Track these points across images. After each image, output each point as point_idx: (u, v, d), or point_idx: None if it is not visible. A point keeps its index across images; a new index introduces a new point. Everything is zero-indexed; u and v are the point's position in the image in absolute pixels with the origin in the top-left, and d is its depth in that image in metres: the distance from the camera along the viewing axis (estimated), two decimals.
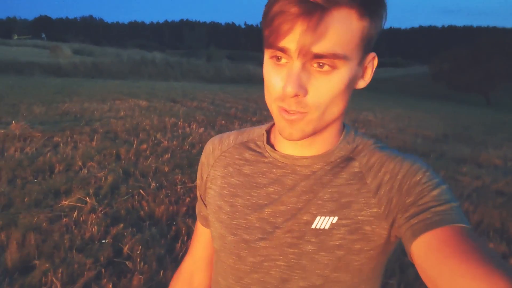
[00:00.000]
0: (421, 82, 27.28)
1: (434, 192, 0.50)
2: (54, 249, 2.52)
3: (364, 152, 0.58)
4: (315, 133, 0.53)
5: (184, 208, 3.34)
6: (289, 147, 0.59)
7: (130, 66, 20.44)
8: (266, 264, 0.58)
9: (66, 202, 3.21)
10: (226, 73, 23.98)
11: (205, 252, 0.76)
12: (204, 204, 0.71)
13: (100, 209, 3.14)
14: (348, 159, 0.58)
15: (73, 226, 2.85)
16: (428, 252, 0.44)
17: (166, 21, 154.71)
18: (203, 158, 0.71)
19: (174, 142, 5.49)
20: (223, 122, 7.63)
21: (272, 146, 0.63)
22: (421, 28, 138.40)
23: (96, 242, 2.67)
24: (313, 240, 0.55)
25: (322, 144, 0.58)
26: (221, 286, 0.64)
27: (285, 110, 0.50)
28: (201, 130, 6.56)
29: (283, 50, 0.47)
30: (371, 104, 12.74)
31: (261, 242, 0.58)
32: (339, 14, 0.46)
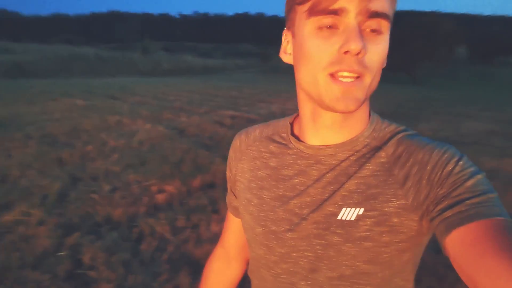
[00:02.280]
0: None
1: (469, 183, 0.47)
2: (3, 270, 2.27)
3: (391, 141, 0.56)
4: (363, 103, 0.51)
5: (144, 208, 3.21)
6: (313, 136, 0.58)
7: (58, 63, 18.85)
8: (294, 254, 0.58)
9: (8, 217, 2.90)
10: (164, 66, 23.19)
11: (237, 241, 0.78)
12: (235, 195, 0.72)
13: (50, 220, 2.89)
14: (374, 149, 0.56)
15: (21, 242, 2.59)
16: (463, 248, 0.42)
17: (92, 13, 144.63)
18: (231, 152, 0.72)
19: (121, 140, 5.21)
20: (169, 116, 7.39)
21: (296, 137, 0.62)
22: None
23: (51, 256, 2.46)
24: (339, 231, 0.54)
25: (349, 131, 0.57)
26: (255, 275, 0.67)
27: (340, 75, 0.48)
28: (148, 126, 6.30)
29: (338, 12, 0.46)
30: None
31: (288, 233, 0.58)
32: None
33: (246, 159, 0.67)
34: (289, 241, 0.58)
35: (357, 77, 0.48)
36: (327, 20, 0.47)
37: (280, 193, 0.60)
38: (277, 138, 0.65)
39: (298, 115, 0.63)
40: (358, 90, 0.49)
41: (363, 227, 0.53)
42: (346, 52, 0.47)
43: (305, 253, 0.57)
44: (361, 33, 0.47)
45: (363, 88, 0.49)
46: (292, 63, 0.56)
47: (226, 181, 0.75)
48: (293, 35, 0.53)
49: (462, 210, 0.45)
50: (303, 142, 0.60)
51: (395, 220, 0.52)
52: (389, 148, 0.55)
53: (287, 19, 0.55)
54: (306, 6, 0.49)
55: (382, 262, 0.53)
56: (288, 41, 0.56)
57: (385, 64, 0.53)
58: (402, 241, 0.53)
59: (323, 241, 0.55)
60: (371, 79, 0.50)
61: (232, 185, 0.72)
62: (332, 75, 0.49)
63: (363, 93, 0.50)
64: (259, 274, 0.65)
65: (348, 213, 0.53)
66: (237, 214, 0.73)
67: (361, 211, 0.53)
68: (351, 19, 0.47)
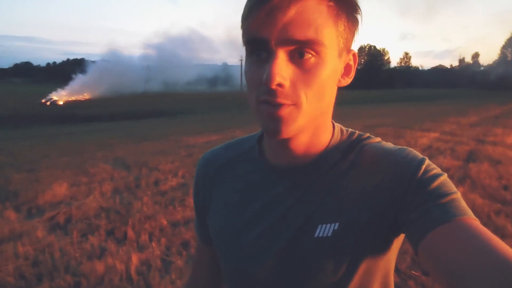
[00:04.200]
0: None
1: (434, 185, 0.48)
2: None
3: (357, 150, 0.57)
4: (301, 130, 0.51)
5: None
6: (281, 157, 0.57)
7: None
8: (275, 280, 0.57)
9: None
10: None
11: (210, 272, 0.74)
12: (204, 223, 0.69)
13: None
14: (342, 161, 0.56)
15: None
16: (436, 251, 0.43)
17: None
18: (197, 177, 0.69)
19: None
20: None
21: (264, 157, 0.61)
22: None
23: None
24: (318, 249, 0.53)
25: (315, 148, 0.56)
26: None
27: (267, 102, 0.48)
28: None
29: (261, 41, 0.47)
30: None
31: (267, 259, 0.57)
32: (314, 2, 0.47)
33: (214, 185, 0.65)
34: (268, 267, 0.57)
35: (285, 105, 0.48)
36: (256, 48, 0.48)
37: (254, 219, 0.58)
38: (244, 159, 0.64)
39: (263, 133, 0.63)
40: (285, 119, 0.48)
41: (340, 241, 0.53)
42: (264, 83, 0.47)
43: (287, 276, 0.56)
44: (283, 63, 0.46)
45: (291, 116, 0.48)
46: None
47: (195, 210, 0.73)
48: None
49: (432, 214, 0.46)
50: (272, 163, 0.59)
51: (370, 229, 0.52)
52: (356, 158, 0.56)
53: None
54: (243, 33, 0.50)
55: (362, 272, 0.54)
56: None
57: (344, 83, 0.55)
58: (379, 249, 0.54)
59: (302, 263, 0.54)
60: (303, 106, 0.49)
61: (201, 213, 0.69)
62: (260, 104, 0.49)
63: (294, 121, 0.49)
64: None
65: (324, 230, 0.53)
66: (209, 243, 0.70)
67: (336, 226, 0.53)
68: (274, 49, 0.46)
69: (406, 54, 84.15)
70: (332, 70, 0.50)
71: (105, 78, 58.34)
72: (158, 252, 2.97)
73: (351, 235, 0.52)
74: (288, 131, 0.49)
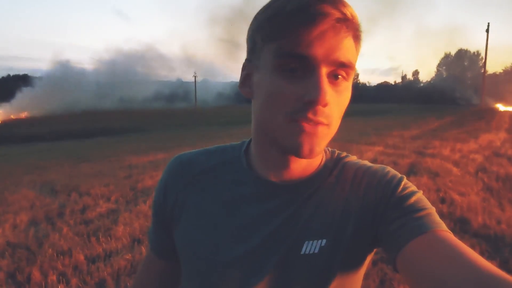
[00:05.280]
0: None
1: (411, 201, 0.51)
2: None
3: (339, 166, 0.58)
4: (322, 150, 0.53)
5: None
6: (277, 172, 0.56)
7: None
8: None
9: None
10: None
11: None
12: (168, 232, 0.62)
13: None
14: (328, 178, 0.57)
15: None
16: (413, 262, 0.45)
17: None
18: (168, 179, 0.62)
19: None
20: None
21: (253, 169, 0.58)
22: None
23: None
24: (304, 266, 0.53)
25: (311, 167, 0.57)
26: None
27: (308, 120, 0.47)
28: None
29: (306, 57, 0.46)
30: None
31: (251, 277, 0.54)
32: (352, 27, 0.49)
33: (191, 191, 0.60)
34: (252, 286, 0.54)
35: (322, 124, 0.48)
36: (294, 64, 0.47)
37: (241, 235, 0.55)
38: (229, 169, 0.60)
39: (249, 144, 0.62)
40: (322, 138, 0.49)
41: (326, 258, 0.53)
42: (309, 101, 0.46)
43: None
44: (327, 82, 0.47)
45: (323, 136, 0.49)
46: (251, 97, 0.54)
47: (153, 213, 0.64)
48: (257, 70, 0.52)
49: (409, 226, 0.48)
50: (263, 177, 0.57)
51: (356, 245, 0.54)
52: (340, 175, 0.57)
53: (250, 52, 0.53)
54: (273, 45, 0.47)
55: (343, 284, 0.54)
56: (248, 75, 0.54)
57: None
58: (358, 262, 0.55)
59: (288, 281, 0.53)
60: (333, 127, 0.50)
61: (166, 220, 0.62)
62: (294, 122, 0.48)
63: (324, 141, 0.50)
64: None
65: (311, 247, 0.53)
66: (164, 255, 0.65)
67: (323, 242, 0.53)
68: (317, 67, 0.46)
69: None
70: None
71: (55, 94, 55.12)
72: None
73: (338, 251, 0.53)
74: (318, 151, 0.50)
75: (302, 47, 0.45)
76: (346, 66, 0.48)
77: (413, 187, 0.54)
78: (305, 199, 0.55)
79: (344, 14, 0.46)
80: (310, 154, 0.49)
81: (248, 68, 0.54)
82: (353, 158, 0.61)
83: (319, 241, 0.53)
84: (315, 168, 0.57)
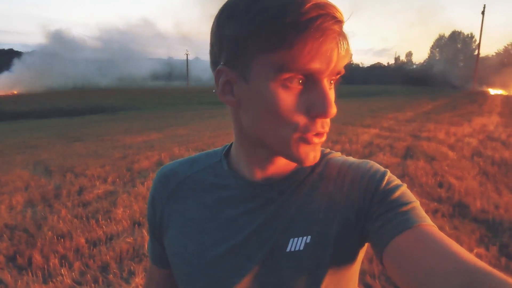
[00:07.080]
0: None
1: (395, 195, 0.51)
2: None
3: (322, 162, 0.58)
4: None
5: None
6: (255, 173, 0.56)
7: None
8: None
9: None
10: None
11: None
12: (160, 242, 0.64)
13: None
14: (311, 175, 0.57)
15: None
16: (400, 256, 0.45)
17: None
18: (154, 192, 0.64)
19: None
20: None
21: (234, 171, 0.59)
22: None
23: None
24: (290, 264, 0.53)
25: (292, 164, 0.56)
26: None
27: (317, 135, 0.49)
28: None
29: (313, 72, 0.45)
30: None
31: (237, 279, 0.54)
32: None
33: (176, 200, 0.61)
34: (236, 283, 0.54)
35: (324, 134, 0.49)
36: (297, 77, 0.46)
37: (223, 235, 0.56)
38: (210, 174, 0.61)
39: (229, 148, 0.62)
40: (320, 145, 0.51)
41: (312, 254, 0.53)
42: (318, 115, 0.47)
43: None
44: (330, 94, 0.47)
45: (323, 141, 0.51)
46: (236, 107, 0.52)
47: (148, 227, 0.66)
48: (243, 80, 0.48)
49: (395, 221, 0.48)
50: (245, 177, 0.57)
51: (341, 241, 0.53)
52: (323, 171, 0.57)
53: (230, 55, 0.48)
54: (273, 57, 0.45)
55: (334, 284, 0.54)
56: (229, 82, 0.50)
57: None
58: (349, 258, 0.55)
59: (276, 279, 0.53)
60: None
61: (157, 231, 0.64)
62: (304, 137, 0.48)
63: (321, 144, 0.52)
64: None
65: (296, 244, 0.53)
66: (163, 264, 0.66)
67: (308, 238, 0.53)
68: (323, 80, 0.47)
69: None
70: None
71: (47, 70, 53.54)
72: (69, 281, 2.51)
73: (323, 248, 0.53)
74: (319, 157, 0.54)
75: (308, 61, 0.44)
76: (341, 72, 0.49)
77: (397, 181, 0.54)
78: (287, 197, 0.55)
79: (341, 21, 0.46)
80: (314, 161, 0.51)
81: (228, 75, 0.49)
82: (337, 154, 0.61)
83: (304, 238, 0.53)
84: (295, 164, 0.57)
